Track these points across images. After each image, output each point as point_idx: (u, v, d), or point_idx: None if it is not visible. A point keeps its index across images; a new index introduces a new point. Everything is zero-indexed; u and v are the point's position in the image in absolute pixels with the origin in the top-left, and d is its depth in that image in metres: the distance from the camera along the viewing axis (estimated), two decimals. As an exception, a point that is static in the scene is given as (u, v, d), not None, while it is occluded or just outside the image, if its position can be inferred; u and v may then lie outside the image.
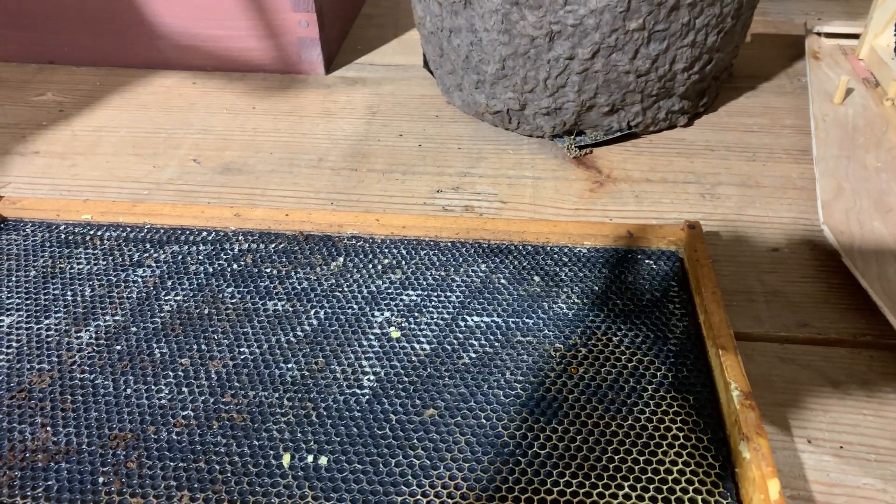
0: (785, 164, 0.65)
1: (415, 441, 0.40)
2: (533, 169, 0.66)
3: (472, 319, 0.48)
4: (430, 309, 0.49)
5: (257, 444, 0.40)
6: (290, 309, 0.49)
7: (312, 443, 0.40)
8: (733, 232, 0.58)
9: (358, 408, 0.42)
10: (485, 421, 0.41)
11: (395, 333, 0.47)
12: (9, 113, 0.75)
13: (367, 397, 0.43)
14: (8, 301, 0.50)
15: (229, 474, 0.39)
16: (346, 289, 0.50)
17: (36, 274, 0.52)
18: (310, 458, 0.39)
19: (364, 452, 0.39)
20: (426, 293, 0.50)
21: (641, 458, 0.39)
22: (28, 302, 0.50)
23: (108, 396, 0.43)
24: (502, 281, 0.51)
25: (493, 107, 0.68)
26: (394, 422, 0.41)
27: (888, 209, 0.55)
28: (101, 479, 0.38)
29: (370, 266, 0.52)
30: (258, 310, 0.49)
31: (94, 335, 0.47)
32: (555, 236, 0.53)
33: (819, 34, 0.80)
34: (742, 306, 0.51)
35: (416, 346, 0.46)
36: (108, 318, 0.48)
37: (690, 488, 0.37)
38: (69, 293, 0.50)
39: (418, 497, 0.37)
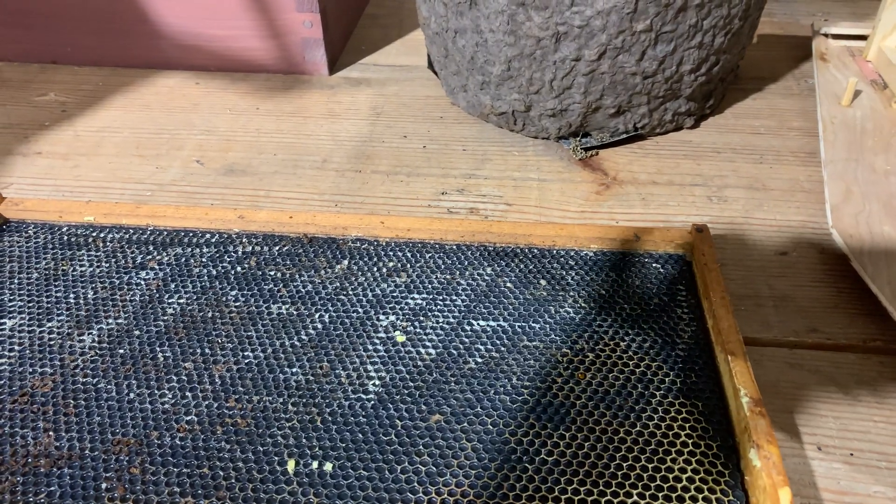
0: (792, 167, 0.65)
1: (421, 447, 0.40)
2: (538, 171, 0.65)
3: (478, 324, 0.47)
4: (436, 313, 0.48)
5: (261, 449, 0.40)
6: (295, 312, 0.48)
7: (317, 448, 0.40)
8: (740, 235, 0.57)
9: (363, 413, 0.42)
10: (491, 427, 0.41)
11: (400, 337, 0.46)
12: (11, 113, 0.75)
13: (373, 402, 0.42)
14: (10, 304, 0.49)
15: (233, 480, 0.38)
16: (350, 292, 0.50)
17: (38, 276, 0.51)
18: (315, 465, 0.39)
19: (369, 458, 0.39)
20: (431, 297, 0.49)
21: (650, 466, 0.39)
22: (30, 304, 0.49)
23: (110, 401, 0.43)
24: (508, 284, 0.50)
25: (499, 108, 0.68)
26: (399, 427, 0.41)
27: (898, 213, 0.54)
28: (104, 485, 0.38)
29: (375, 269, 0.52)
30: (262, 313, 0.48)
31: (96, 338, 0.47)
32: (561, 239, 0.53)
33: (826, 35, 0.80)
34: (750, 311, 0.51)
35: (422, 350, 0.45)
36: (110, 321, 0.48)
37: (700, 496, 0.37)
38: (72, 296, 0.50)
39: (424, 504, 0.37)
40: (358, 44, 0.89)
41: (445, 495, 0.37)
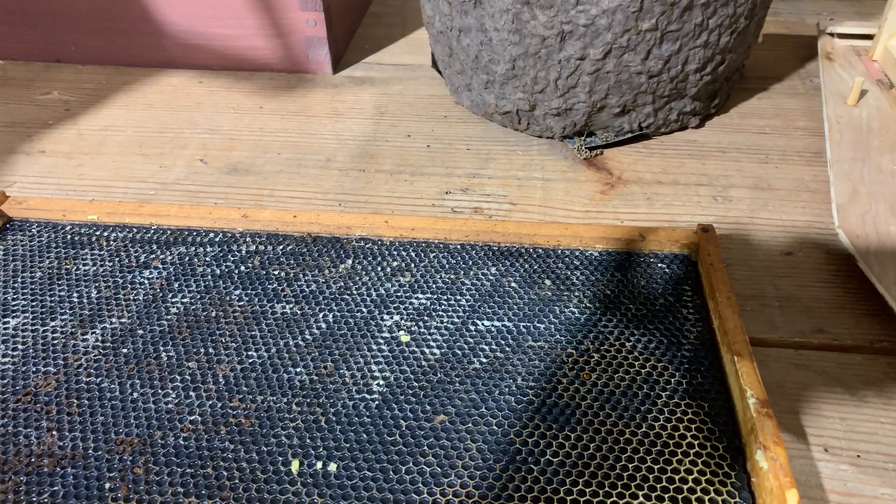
0: (798, 167, 0.64)
1: (425, 447, 0.39)
2: (543, 170, 0.65)
3: (483, 324, 0.47)
4: (440, 313, 0.48)
5: (265, 449, 0.40)
6: (299, 312, 0.48)
7: (321, 449, 0.40)
8: (746, 235, 0.57)
9: (367, 413, 0.41)
10: (496, 427, 0.40)
11: (404, 337, 0.46)
12: (14, 112, 0.75)
13: (377, 402, 0.42)
14: (14, 303, 0.49)
15: (237, 481, 0.38)
16: (354, 292, 0.50)
17: (42, 275, 0.51)
18: (319, 465, 0.39)
19: (374, 459, 0.39)
20: (436, 297, 0.49)
21: (656, 467, 0.38)
22: (34, 303, 0.49)
23: (114, 400, 0.43)
24: (513, 284, 0.50)
25: (503, 107, 0.68)
26: (404, 428, 0.41)
27: (904, 213, 0.54)
28: (107, 485, 0.38)
29: (379, 269, 0.51)
30: (266, 313, 0.48)
31: (100, 338, 0.47)
32: (566, 239, 0.53)
33: (832, 35, 0.80)
34: (756, 311, 0.51)
35: (426, 350, 0.45)
36: (114, 320, 0.48)
37: (706, 498, 0.37)
38: (75, 295, 0.50)
39: (429, 505, 0.37)
40: (361, 42, 0.89)
41: (450, 496, 0.37)
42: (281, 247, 0.53)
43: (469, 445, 0.40)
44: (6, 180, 0.65)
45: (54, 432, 0.41)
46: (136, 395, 0.43)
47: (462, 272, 0.51)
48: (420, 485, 0.38)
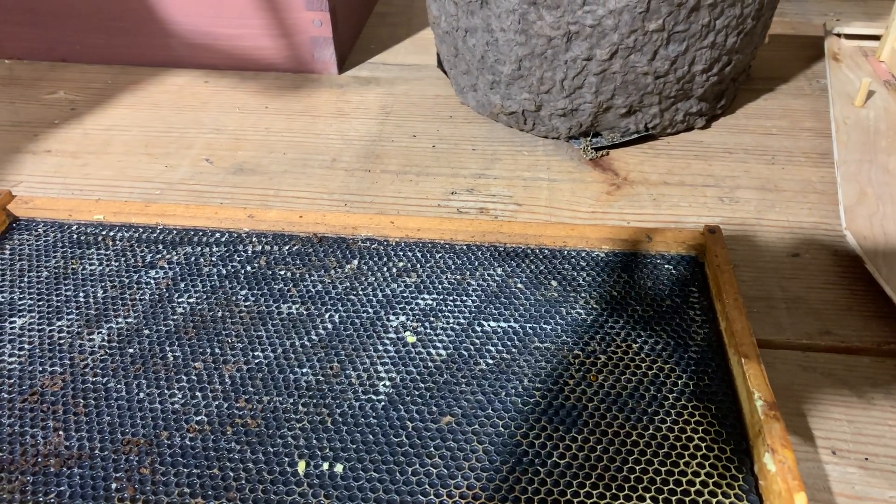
0: (805, 168, 0.64)
1: (432, 449, 0.39)
2: (548, 171, 0.65)
3: (489, 325, 0.47)
4: (446, 313, 0.48)
5: (272, 450, 0.40)
6: (305, 312, 0.48)
7: (328, 450, 0.39)
8: (752, 236, 0.57)
9: (374, 414, 0.41)
10: (503, 429, 0.40)
11: (410, 338, 0.46)
12: (21, 111, 0.75)
13: (383, 403, 0.42)
14: (20, 302, 0.49)
15: (243, 481, 0.38)
16: (360, 292, 0.50)
17: (48, 275, 0.51)
18: (325, 466, 0.39)
19: (380, 460, 0.39)
20: (441, 297, 0.49)
21: (663, 469, 0.38)
22: (40, 303, 0.49)
23: (120, 400, 0.43)
24: (519, 285, 0.50)
25: (509, 107, 0.68)
26: (410, 429, 0.40)
27: (912, 215, 0.54)
28: (114, 485, 0.38)
29: (385, 269, 0.51)
30: (272, 313, 0.48)
31: (106, 338, 0.47)
32: (572, 240, 0.53)
33: (839, 35, 0.79)
34: (762, 313, 0.50)
35: (433, 351, 0.45)
36: (120, 320, 0.48)
37: (714, 501, 0.37)
38: (81, 294, 0.50)
39: (436, 507, 0.37)
40: (367, 43, 0.89)
41: (457, 497, 0.37)
42: (287, 247, 0.53)
43: (475, 447, 0.39)
44: (12, 180, 0.65)
45: (61, 432, 0.41)
46: (142, 395, 0.43)
47: (468, 273, 0.51)
48: (426, 486, 0.38)
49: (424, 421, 0.41)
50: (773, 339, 0.48)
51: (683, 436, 0.40)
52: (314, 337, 0.46)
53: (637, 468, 0.38)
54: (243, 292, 0.50)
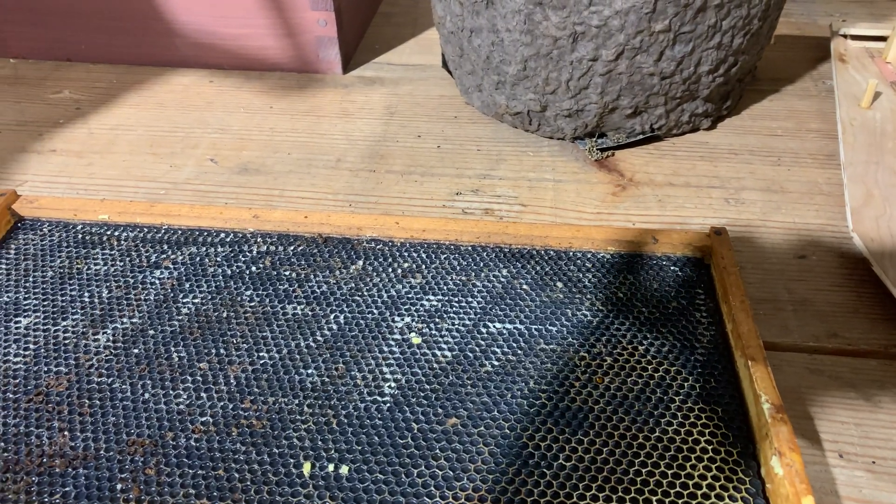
0: (811, 169, 0.64)
1: (437, 451, 0.39)
2: (554, 171, 0.65)
3: (494, 326, 0.47)
4: (451, 315, 0.48)
5: (277, 451, 0.39)
6: (310, 313, 0.48)
7: (333, 451, 0.39)
8: (758, 238, 0.57)
9: (379, 416, 0.41)
10: (508, 431, 0.40)
11: (415, 339, 0.46)
12: (26, 111, 0.75)
13: (389, 405, 0.42)
14: (25, 302, 0.49)
15: (249, 483, 0.38)
16: (365, 293, 0.49)
17: (53, 274, 0.51)
18: (331, 467, 0.39)
19: (385, 462, 0.39)
20: (447, 298, 0.49)
21: (669, 472, 0.38)
22: (45, 303, 0.49)
23: (125, 401, 0.42)
24: (524, 287, 0.50)
25: (514, 108, 0.67)
26: (416, 431, 0.40)
27: (919, 217, 0.53)
28: (118, 486, 0.38)
29: (390, 270, 0.51)
30: (277, 313, 0.48)
31: (111, 338, 0.47)
32: (578, 241, 0.52)
33: (845, 36, 0.79)
34: (769, 315, 0.50)
35: (438, 352, 0.45)
36: (125, 320, 0.48)
37: (720, 504, 0.36)
38: (86, 294, 0.50)
39: (441, 509, 0.37)
40: (372, 42, 0.88)
41: (462, 500, 0.37)
42: (292, 247, 0.53)
43: (481, 449, 0.39)
44: (17, 179, 0.65)
45: (66, 432, 0.41)
46: (147, 395, 0.43)
47: (473, 274, 0.51)
48: (432, 488, 0.37)
49: (430, 423, 0.41)
50: (779, 342, 0.48)
51: (690, 438, 0.40)
52: (319, 338, 0.46)
53: (643, 471, 0.38)
54: (248, 293, 0.50)
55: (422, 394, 0.42)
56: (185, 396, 0.43)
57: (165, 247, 0.54)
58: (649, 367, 0.44)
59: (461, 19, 0.65)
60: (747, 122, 0.71)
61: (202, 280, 0.51)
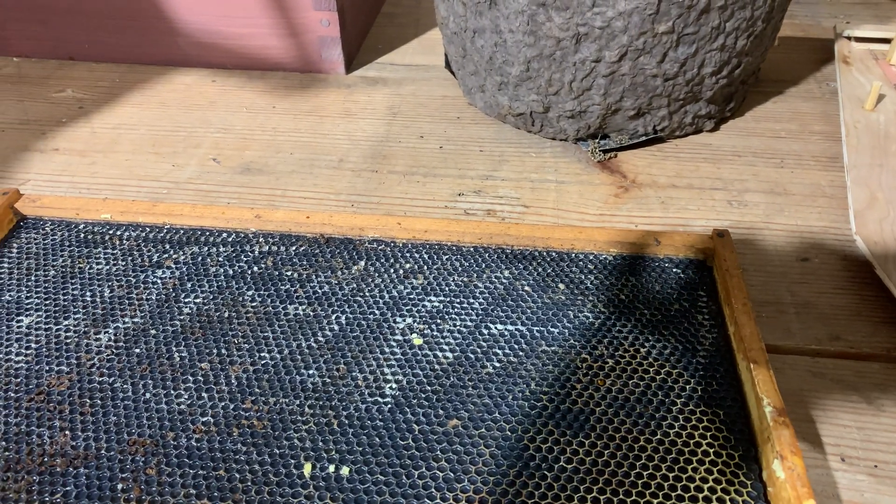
0: (814, 172, 0.64)
1: (438, 452, 0.39)
2: (556, 173, 0.65)
3: (496, 327, 0.47)
4: (453, 316, 0.48)
5: (278, 452, 0.39)
6: (311, 313, 0.48)
7: (334, 452, 0.39)
8: (761, 240, 0.57)
9: (380, 417, 0.41)
10: (510, 433, 0.40)
11: (417, 340, 0.46)
12: (29, 109, 0.75)
13: (390, 406, 0.42)
14: (27, 301, 0.49)
15: (249, 483, 0.38)
16: (367, 293, 0.49)
17: (55, 274, 0.51)
18: (331, 468, 0.39)
19: (386, 463, 0.39)
20: (448, 299, 0.49)
21: (670, 475, 0.38)
22: (47, 302, 0.49)
23: (126, 401, 0.42)
24: (526, 288, 0.50)
25: (516, 109, 0.67)
26: (416, 432, 0.40)
27: (923, 220, 0.53)
28: (119, 486, 0.38)
29: (392, 270, 0.51)
30: (279, 314, 0.48)
31: (113, 337, 0.47)
32: (580, 243, 0.52)
33: (849, 38, 0.79)
34: (771, 318, 0.50)
35: (439, 353, 0.45)
36: (127, 319, 0.48)
37: (722, 507, 0.36)
38: (88, 294, 0.50)
39: (442, 511, 0.37)
40: (374, 43, 0.88)
41: (463, 501, 0.37)
42: (294, 248, 0.53)
43: (482, 450, 0.39)
44: (20, 178, 0.65)
45: (67, 432, 0.41)
46: (148, 395, 0.43)
47: (475, 275, 0.51)
48: (433, 489, 0.37)
49: (431, 424, 0.41)
50: (782, 345, 0.48)
51: (691, 441, 0.40)
52: (320, 338, 0.46)
53: (644, 473, 0.38)
54: (250, 293, 0.50)
55: (423, 395, 0.42)
56: (186, 396, 0.43)
57: (167, 246, 0.54)
58: (651, 369, 0.44)
59: (464, 20, 0.65)
60: (751, 123, 0.71)
61: (204, 280, 0.51)
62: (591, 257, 0.52)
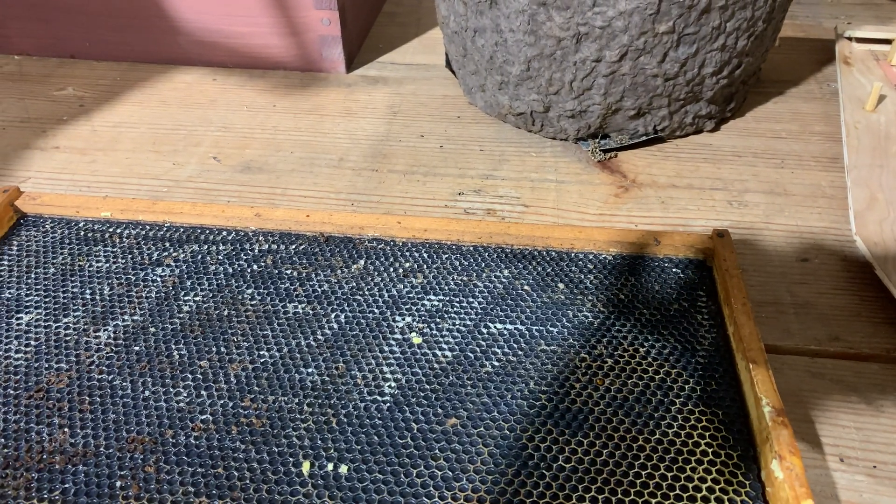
0: (814, 172, 0.64)
1: (437, 451, 0.39)
2: (556, 172, 0.65)
3: (495, 327, 0.47)
4: (452, 315, 0.48)
5: (276, 450, 0.39)
6: (311, 312, 0.48)
7: (332, 451, 0.39)
8: (761, 241, 0.57)
9: (379, 415, 0.41)
10: (508, 432, 0.40)
11: (416, 339, 0.46)
12: (30, 107, 0.75)
13: (388, 405, 0.42)
14: (27, 299, 0.49)
15: (248, 481, 0.38)
16: (367, 292, 0.49)
17: (55, 271, 0.51)
18: (330, 467, 0.39)
19: (385, 462, 0.39)
20: (448, 298, 0.49)
21: (669, 474, 0.38)
22: (47, 300, 0.49)
23: (125, 398, 0.43)
24: (526, 287, 0.50)
25: (517, 108, 0.67)
26: (415, 431, 0.40)
27: (923, 221, 0.53)
28: (118, 483, 0.38)
29: (391, 269, 0.51)
30: (278, 312, 0.48)
31: (112, 335, 0.47)
32: (580, 242, 0.52)
33: (850, 39, 0.79)
34: (771, 318, 0.50)
35: (438, 352, 0.45)
36: (126, 317, 0.48)
37: (720, 507, 0.36)
38: (88, 291, 0.50)
39: (440, 509, 0.37)
40: (375, 42, 0.88)
41: (462, 500, 0.37)
42: (293, 246, 0.53)
43: (481, 450, 0.39)
44: (21, 176, 0.65)
45: (66, 429, 0.41)
46: (147, 393, 0.43)
47: (475, 274, 0.51)
48: (431, 488, 0.37)
49: (430, 423, 0.41)
50: (781, 345, 0.48)
51: (690, 441, 0.40)
52: (320, 337, 0.46)
53: (643, 473, 0.38)
54: (249, 291, 0.50)
55: (422, 394, 0.42)
56: (185, 394, 0.43)
57: (167, 244, 0.54)
58: (650, 368, 0.44)
59: (465, 19, 0.65)
60: (751, 124, 0.71)
61: (203, 278, 0.51)
62: (590, 257, 0.52)
